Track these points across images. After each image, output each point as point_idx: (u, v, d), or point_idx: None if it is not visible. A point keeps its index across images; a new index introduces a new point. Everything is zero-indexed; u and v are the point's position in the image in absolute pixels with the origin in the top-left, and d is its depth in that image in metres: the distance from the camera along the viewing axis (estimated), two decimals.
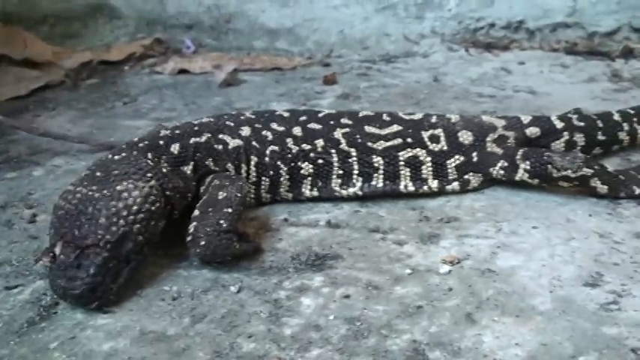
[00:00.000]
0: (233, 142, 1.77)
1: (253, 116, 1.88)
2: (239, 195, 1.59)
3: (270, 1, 3.35)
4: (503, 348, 1.24)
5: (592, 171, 1.73)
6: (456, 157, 1.83)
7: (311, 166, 1.80)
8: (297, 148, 1.80)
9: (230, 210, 1.55)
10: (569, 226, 1.65)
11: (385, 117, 1.89)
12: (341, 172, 1.81)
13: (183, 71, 3.11)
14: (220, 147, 1.75)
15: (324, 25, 3.30)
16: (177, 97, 2.78)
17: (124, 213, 1.45)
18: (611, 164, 1.95)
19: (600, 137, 1.97)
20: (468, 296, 1.40)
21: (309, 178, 1.81)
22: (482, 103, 2.52)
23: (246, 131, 1.80)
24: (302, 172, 1.80)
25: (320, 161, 1.80)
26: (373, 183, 1.81)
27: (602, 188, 1.74)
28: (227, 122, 1.82)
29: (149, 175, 1.55)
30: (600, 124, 1.97)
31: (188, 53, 3.35)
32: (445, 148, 1.83)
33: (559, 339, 1.25)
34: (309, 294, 1.44)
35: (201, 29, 3.46)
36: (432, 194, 1.84)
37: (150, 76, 3.13)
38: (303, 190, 1.82)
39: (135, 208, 1.46)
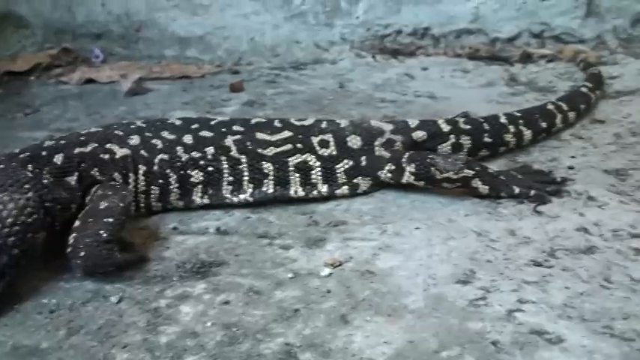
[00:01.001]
0: (120, 152, 1.75)
1: (144, 125, 1.87)
2: (121, 205, 1.58)
3: (180, 9, 3.33)
4: (371, 347, 1.26)
5: (473, 172, 1.78)
6: (345, 161, 1.86)
7: (201, 173, 1.81)
8: (187, 155, 1.80)
9: (111, 220, 1.53)
10: (450, 225, 1.70)
11: (276, 123, 1.91)
12: (231, 179, 1.82)
13: (90, 81, 3.06)
14: (107, 156, 1.73)
15: (234, 32, 3.30)
16: (81, 108, 2.74)
17: None
18: (498, 165, 2.02)
19: (487, 139, 2.03)
20: (344, 298, 1.42)
21: (200, 186, 1.81)
22: (383, 108, 2.57)
23: (135, 140, 1.79)
24: (192, 179, 1.80)
25: (210, 169, 1.81)
26: (264, 189, 1.83)
27: (484, 188, 1.80)
28: (116, 132, 1.81)
29: (27, 186, 1.52)
30: (487, 127, 2.03)
31: (97, 63, 3.31)
32: (334, 152, 1.86)
33: (426, 335, 1.29)
34: (189, 301, 1.44)
35: (110, 38, 3.41)
36: (322, 199, 1.86)
37: (56, 86, 3.07)
38: (194, 197, 1.82)
39: (9, 220, 1.44)
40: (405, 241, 1.64)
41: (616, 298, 1.38)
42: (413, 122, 1.97)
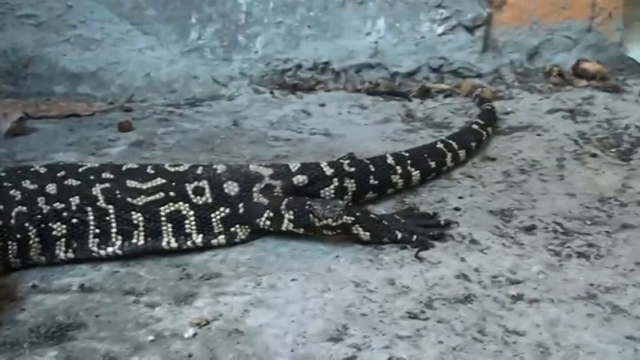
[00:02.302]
0: None
1: (4, 174, 1.73)
2: None
3: (71, 44, 3.17)
4: None
5: (353, 218, 1.72)
6: (222, 209, 1.77)
7: (64, 225, 1.68)
8: (49, 207, 1.67)
9: None
10: (329, 276, 1.62)
11: (149, 170, 1.80)
12: (98, 230, 1.70)
13: None
14: None
15: (129, 68, 3.17)
16: None
17: None
18: (386, 207, 1.97)
19: (373, 182, 1.97)
20: None
21: (63, 239, 1.68)
22: (276, 147, 2.49)
23: None
24: (54, 233, 1.67)
25: (74, 220, 1.69)
26: (134, 241, 1.71)
27: (365, 235, 1.74)
28: None
29: None
30: (373, 169, 1.98)
31: None
32: (210, 200, 1.77)
33: None
34: None
35: None
36: (198, 249, 1.76)
37: None
38: (57, 252, 1.68)
39: None
40: (279, 294, 1.55)
41: (488, 352, 1.32)
42: (294, 166, 1.89)
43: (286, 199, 1.77)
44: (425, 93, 3.03)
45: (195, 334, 1.41)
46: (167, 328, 1.44)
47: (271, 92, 3.04)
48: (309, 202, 1.74)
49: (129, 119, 2.75)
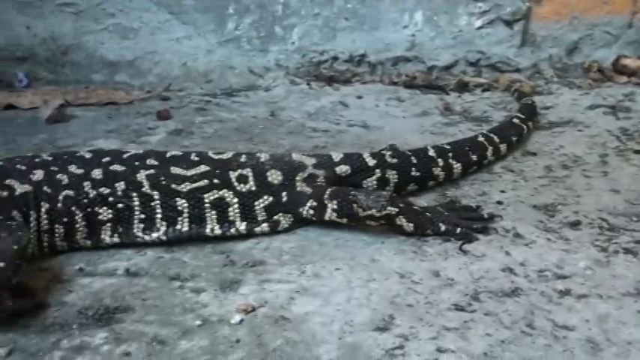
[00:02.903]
0: (20, 188, 1.63)
1: (50, 158, 1.75)
2: (15, 247, 1.45)
3: (109, 32, 3.21)
4: None
5: (397, 209, 1.71)
6: (265, 197, 1.77)
7: (110, 210, 1.69)
8: (95, 192, 1.69)
9: (2, 265, 1.40)
10: (373, 266, 1.62)
11: (193, 157, 1.81)
12: (143, 216, 1.71)
13: (10, 107, 2.91)
14: (5, 193, 1.61)
15: (166, 57, 3.20)
16: None
17: None
18: (428, 200, 1.96)
19: (414, 173, 1.96)
20: (254, 348, 1.33)
21: (109, 224, 1.70)
22: (315, 137, 2.49)
23: (38, 175, 1.67)
24: (100, 217, 1.69)
25: (120, 205, 1.70)
26: (178, 227, 1.72)
27: (409, 226, 1.73)
28: (17, 166, 1.68)
29: None
30: (414, 160, 1.97)
31: (20, 87, 3.16)
32: (253, 188, 1.77)
33: None
34: (86, 353, 1.32)
35: (36, 62, 3.26)
36: (240, 237, 1.76)
37: None
38: (103, 236, 1.70)
39: None
40: (324, 283, 1.55)
41: (537, 346, 1.31)
42: (337, 156, 1.89)
43: (329, 189, 1.76)
44: (462, 87, 3.01)
45: (241, 320, 1.42)
46: (213, 314, 1.44)
47: (308, 84, 3.05)
48: (353, 192, 1.73)
49: (167, 108, 2.77)
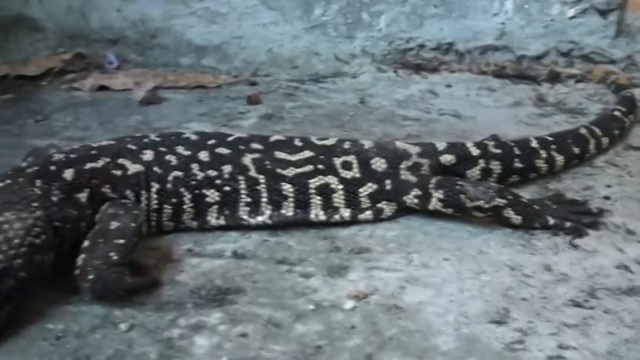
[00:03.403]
0: (133, 168, 1.66)
1: (159, 139, 1.78)
2: (133, 225, 1.49)
3: (197, 17, 3.25)
4: None
5: (505, 201, 1.68)
6: (369, 184, 1.76)
7: (217, 193, 1.71)
8: (203, 174, 1.71)
9: (122, 241, 1.44)
10: (481, 258, 1.60)
11: (297, 142, 1.81)
12: (249, 199, 1.72)
13: (103, 88, 2.97)
14: (119, 172, 1.64)
15: (252, 42, 3.21)
16: (93, 116, 2.65)
17: (4, 247, 1.32)
18: (529, 192, 1.92)
19: (517, 165, 1.92)
20: (370, 335, 1.33)
21: (216, 206, 1.72)
22: (406, 126, 2.47)
23: (148, 155, 1.70)
24: (207, 199, 1.71)
25: (227, 188, 1.72)
26: (283, 211, 1.73)
27: (516, 219, 1.70)
28: (128, 146, 1.72)
29: (35, 204, 1.43)
30: (517, 152, 1.93)
31: (111, 69, 3.23)
32: (358, 175, 1.76)
33: None
34: (204, 332, 1.35)
35: (125, 44, 3.33)
36: (344, 223, 1.76)
37: (68, 92, 2.98)
38: (209, 218, 1.72)
39: (16, 241, 1.34)
40: (433, 273, 1.54)
41: None
42: (441, 145, 1.87)
43: (435, 178, 1.74)
44: (554, 77, 2.94)
45: (354, 307, 1.42)
46: (325, 299, 1.45)
47: (395, 71, 3.02)
48: (460, 182, 1.71)
49: (257, 93, 2.78)
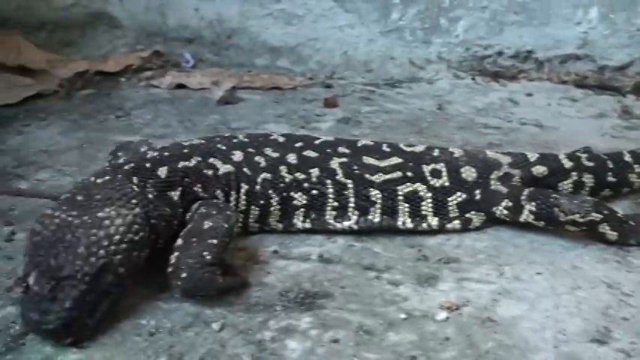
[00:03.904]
0: (224, 168, 1.67)
1: (247, 140, 1.79)
2: (226, 226, 1.49)
3: (273, 18, 3.27)
4: None
5: (601, 216, 1.63)
6: (458, 194, 1.74)
7: (305, 196, 1.71)
8: (291, 176, 1.71)
9: (215, 241, 1.45)
10: (576, 273, 1.56)
11: (385, 148, 1.80)
12: (336, 204, 1.71)
13: (180, 86, 3.02)
14: (210, 172, 1.65)
15: (327, 45, 3.21)
16: (172, 114, 2.69)
17: (105, 243, 1.34)
18: (621, 207, 1.86)
19: (610, 179, 1.87)
20: (465, 348, 1.30)
21: (302, 209, 1.72)
22: (487, 134, 2.43)
23: (238, 156, 1.71)
24: (294, 202, 1.71)
25: (314, 192, 1.71)
26: (370, 217, 1.72)
27: (612, 234, 1.65)
28: (218, 145, 1.73)
29: (134, 201, 1.45)
30: (610, 165, 1.87)
31: (187, 67, 3.27)
32: (447, 184, 1.74)
33: None
34: (295, 336, 1.34)
35: (201, 44, 3.37)
36: (430, 232, 1.74)
37: (146, 89, 3.03)
38: (295, 221, 1.72)
39: (117, 237, 1.36)
40: (526, 287, 1.51)
41: None
42: (532, 156, 1.83)
43: (527, 190, 1.71)
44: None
45: (447, 318, 1.40)
46: (416, 309, 1.43)
47: (472, 78, 2.98)
48: (554, 195, 1.67)
49: (334, 96, 2.78)
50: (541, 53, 3.06)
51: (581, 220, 1.63)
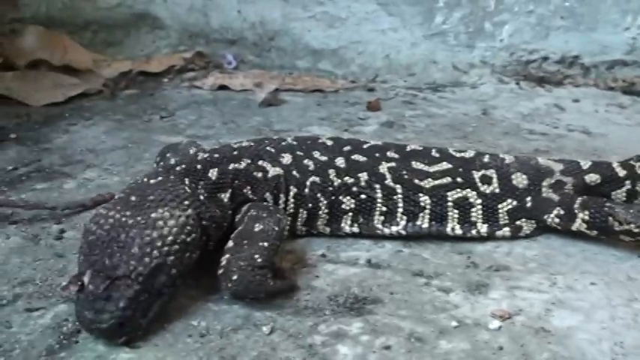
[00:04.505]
0: (273, 171, 1.67)
1: (295, 142, 1.79)
2: (276, 228, 1.49)
3: (316, 20, 3.27)
4: None
5: None
6: (509, 201, 1.71)
7: (353, 200, 1.70)
8: (340, 180, 1.70)
9: (266, 244, 1.45)
10: (631, 285, 1.52)
11: (434, 153, 1.78)
12: (384, 209, 1.70)
13: (223, 87, 3.04)
14: (260, 175, 1.66)
15: (369, 48, 3.20)
16: (216, 115, 2.70)
17: (159, 244, 1.35)
18: None
19: None
20: (520, 358, 1.28)
21: (350, 214, 1.71)
22: (533, 140, 2.40)
23: (287, 159, 1.71)
24: (343, 206, 1.70)
25: (363, 196, 1.70)
26: (418, 223, 1.70)
27: None
28: (267, 148, 1.73)
29: (186, 202, 1.46)
30: None
31: (229, 69, 3.29)
32: (497, 190, 1.72)
33: None
34: (346, 341, 1.33)
35: (243, 45, 3.38)
36: (479, 239, 1.72)
37: (189, 90, 3.06)
38: (343, 225, 1.71)
39: (170, 238, 1.37)
40: (580, 297, 1.48)
41: None
42: (585, 163, 1.79)
43: (580, 198, 1.68)
44: None
45: (500, 327, 1.37)
46: (467, 317, 1.41)
47: (517, 83, 2.95)
48: (608, 204, 1.64)
49: (377, 99, 2.77)
50: (588, 59, 3.02)
51: (637, 230, 1.60)
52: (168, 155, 1.89)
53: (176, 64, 3.27)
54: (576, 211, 1.66)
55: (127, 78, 3.13)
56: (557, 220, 1.69)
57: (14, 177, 2.09)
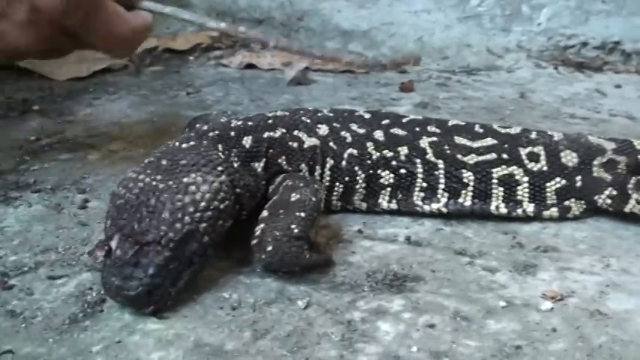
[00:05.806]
0: (309, 141, 1.59)
1: (331, 114, 1.70)
2: (313, 199, 1.41)
3: (346, 1, 3.18)
4: None
5: None
6: (557, 179, 1.62)
7: (392, 175, 1.62)
8: (378, 154, 1.62)
9: (303, 214, 1.37)
10: None
11: (478, 128, 1.69)
12: (425, 185, 1.62)
13: (250, 66, 2.96)
14: (295, 145, 1.57)
15: (402, 30, 3.11)
16: (243, 92, 2.63)
17: (191, 209, 1.28)
18: None
19: None
20: (576, 340, 1.19)
21: (389, 189, 1.62)
22: (574, 124, 2.30)
23: (323, 130, 1.62)
24: (381, 181, 1.62)
25: (402, 171, 1.62)
26: (460, 200, 1.62)
27: None
28: (303, 118, 1.65)
29: (220, 168, 1.38)
30: None
31: (257, 48, 3.21)
32: (545, 168, 1.62)
33: None
34: (387, 318, 1.25)
35: (271, 25, 3.31)
36: (525, 219, 1.63)
37: (215, 68, 2.99)
38: (380, 201, 1.63)
39: (203, 204, 1.29)
40: (637, 280, 1.39)
41: None
42: (639, 143, 1.70)
43: (635, 178, 1.59)
44: None
45: (552, 308, 1.29)
46: (516, 297, 1.32)
47: (555, 68, 2.85)
48: None
49: (410, 80, 2.68)
50: (629, 45, 2.92)
51: None
52: (197, 126, 1.82)
53: (202, 42, 3.20)
54: (630, 191, 1.57)
55: (152, 55, 3.07)
56: (609, 200, 1.60)
57: (37, 147, 2.03)
